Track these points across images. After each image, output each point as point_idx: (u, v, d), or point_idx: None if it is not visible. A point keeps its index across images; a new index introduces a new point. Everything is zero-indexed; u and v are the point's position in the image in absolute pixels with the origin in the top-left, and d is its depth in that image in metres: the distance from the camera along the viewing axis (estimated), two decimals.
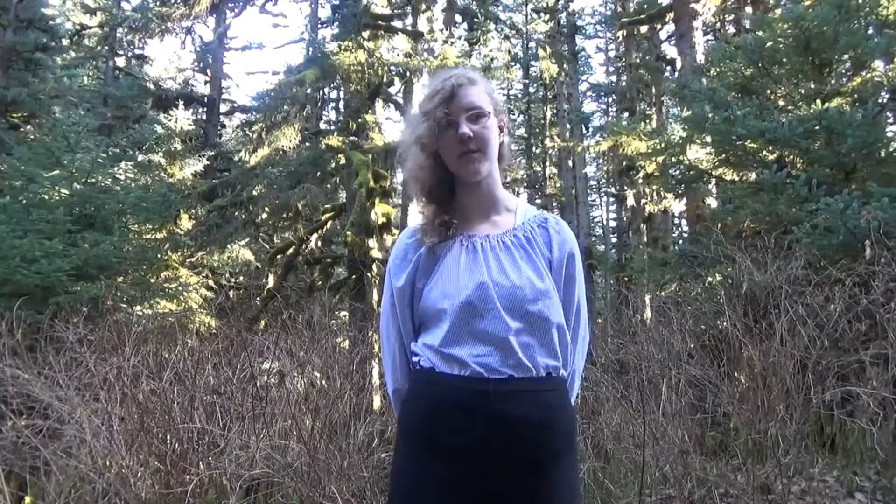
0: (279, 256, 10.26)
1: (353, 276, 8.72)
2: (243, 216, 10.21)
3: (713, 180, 6.73)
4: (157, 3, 11.16)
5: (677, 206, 10.44)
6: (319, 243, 11.19)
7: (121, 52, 13.87)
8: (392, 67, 9.84)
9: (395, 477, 1.32)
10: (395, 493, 1.30)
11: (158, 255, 6.74)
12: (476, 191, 1.37)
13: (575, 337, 1.39)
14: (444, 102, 1.31)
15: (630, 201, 14.58)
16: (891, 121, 6.64)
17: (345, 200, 10.21)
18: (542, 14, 15.96)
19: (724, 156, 5.91)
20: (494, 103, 1.37)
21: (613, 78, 19.71)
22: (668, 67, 12.79)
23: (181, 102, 12.33)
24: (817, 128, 4.69)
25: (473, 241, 1.33)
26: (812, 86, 5.52)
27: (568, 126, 15.70)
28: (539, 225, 1.38)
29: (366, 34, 9.39)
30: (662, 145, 7.19)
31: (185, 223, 9.68)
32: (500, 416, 1.21)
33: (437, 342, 1.27)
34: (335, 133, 10.64)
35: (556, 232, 1.38)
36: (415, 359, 1.33)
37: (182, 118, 11.97)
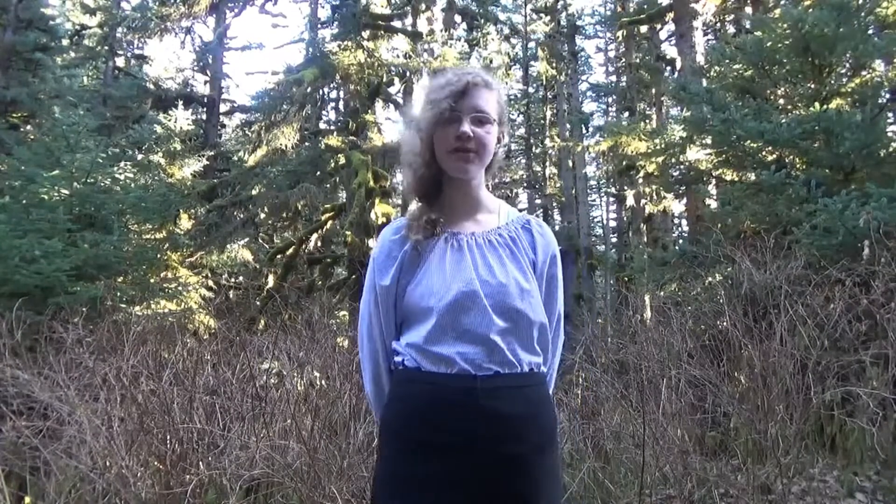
0: (279, 256, 10.26)
1: (353, 276, 8.72)
2: (242, 216, 10.22)
3: (713, 180, 6.74)
4: (157, 3, 11.15)
5: (677, 206, 10.46)
6: (319, 243, 11.19)
7: (120, 52, 13.87)
8: (392, 67, 9.85)
9: (382, 478, 1.30)
10: (382, 496, 1.27)
11: (158, 255, 6.73)
12: (464, 189, 1.38)
13: (556, 336, 1.41)
14: (453, 96, 1.30)
15: (630, 201, 14.57)
16: (890, 121, 6.64)
17: (344, 200, 10.21)
18: (541, 14, 15.95)
19: (723, 156, 5.92)
20: (501, 114, 1.37)
21: (613, 78, 19.71)
22: (668, 67, 12.79)
23: (181, 102, 12.33)
24: (816, 129, 4.69)
25: (459, 239, 1.34)
26: (811, 87, 5.53)
27: (568, 126, 15.69)
28: (522, 227, 1.39)
29: (365, 34, 9.40)
30: (662, 145, 7.21)
31: (185, 223, 9.68)
32: (487, 412, 1.22)
33: (420, 340, 1.26)
34: (335, 133, 10.66)
35: (539, 234, 1.39)
36: (397, 358, 1.32)
37: (182, 118, 11.96)
